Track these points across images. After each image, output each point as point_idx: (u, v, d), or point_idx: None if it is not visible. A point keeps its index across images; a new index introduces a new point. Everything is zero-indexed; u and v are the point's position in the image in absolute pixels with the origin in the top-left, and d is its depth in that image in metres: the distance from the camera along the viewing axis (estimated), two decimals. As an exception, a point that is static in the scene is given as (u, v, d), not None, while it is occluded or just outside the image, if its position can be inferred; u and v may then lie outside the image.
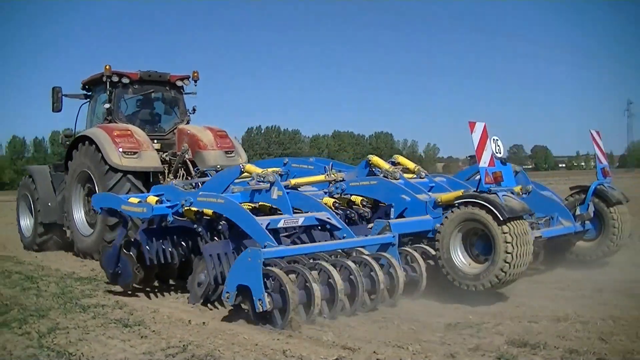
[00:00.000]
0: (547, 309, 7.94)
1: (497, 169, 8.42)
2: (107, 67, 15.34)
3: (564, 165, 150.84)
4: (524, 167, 12.34)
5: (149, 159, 14.17)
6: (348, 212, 10.37)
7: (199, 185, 11.38)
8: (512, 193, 8.78)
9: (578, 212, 10.76)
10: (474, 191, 8.68)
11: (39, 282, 11.42)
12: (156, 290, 10.25)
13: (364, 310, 8.13)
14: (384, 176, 10.50)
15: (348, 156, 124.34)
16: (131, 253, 9.89)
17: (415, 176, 11.03)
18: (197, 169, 14.47)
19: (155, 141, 15.37)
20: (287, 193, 9.40)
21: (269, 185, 9.39)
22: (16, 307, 9.25)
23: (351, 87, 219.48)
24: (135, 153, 13.89)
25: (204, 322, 7.88)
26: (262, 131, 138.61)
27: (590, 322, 7.25)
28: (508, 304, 8.40)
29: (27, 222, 17.22)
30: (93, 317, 8.46)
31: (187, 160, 15.05)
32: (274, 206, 9.56)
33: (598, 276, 9.94)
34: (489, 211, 8.13)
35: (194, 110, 16.67)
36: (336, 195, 10.52)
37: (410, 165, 11.25)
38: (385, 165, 10.80)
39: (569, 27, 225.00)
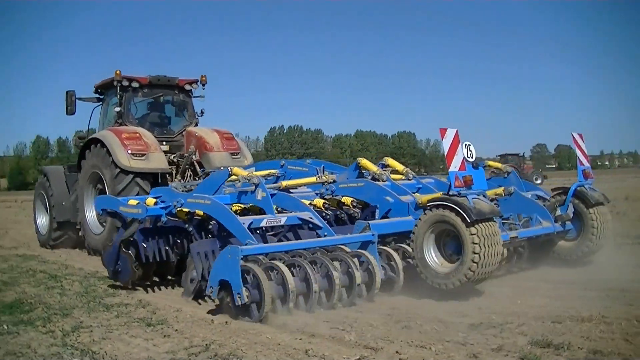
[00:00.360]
0: (571, 309, 7.87)
1: (467, 173, 8.74)
2: (118, 72, 15.81)
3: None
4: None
5: (157, 160, 14.63)
6: (338, 212, 10.81)
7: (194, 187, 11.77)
8: (484, 196, 9.09)
9: (558, 212, 11.04)
10: (444, 194, 9.04)
11: (63, 281, 11.50)
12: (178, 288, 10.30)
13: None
14: (372, 178, 11.19)
15: (370, 156, 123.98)
16: (130, 252, 10.39)
17: (404, 178, 11.74)
18: (203, 170, 14.88)
19: (164, 143, 15.90)
20: (274, 194, 10.14)
21: (254, 187, 9.98)
22: (40, 305, 9.32)
23: (374, 86, 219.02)
24: (143, 155, 14.38)
25: (226, 322, 7.90)
26: (285, 131, 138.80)
27: (615, 322, 7.18)
28: (531, 304, 8.34)
29: (42, 220, 17.78)
30: (116, 316, 8.51)
31: (195, 162, 15.57)
32: (259, 207, 10.07)
33: (623, 276, 9.86)
34: (458, 213, 8.48)
35: (202, 112, 17.13)
36: (327, 196, 10.98)
37: (399, 167, 12.03)
38: (373, 167, 11.50)
39: (595, 26, 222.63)
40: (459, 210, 8.44)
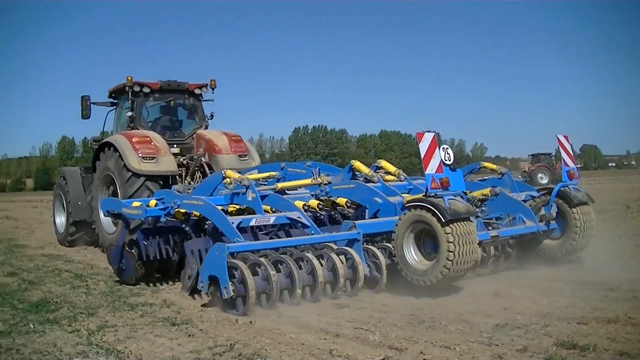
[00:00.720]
0: (597, 310, 7.83)
1: (444, 175, 9.08)
2: (129, 78, 16.26)
3: (614, 164, 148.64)
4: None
5: (166, 163, 14.95)
6: (332, 212, 11.46)
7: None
8: (462, 197, 9.43)
9: (542, 212, 11.33)
10: (423, 195, 9.36)
11: (88, 280, 11.57)
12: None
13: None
14: (364, 180, 11.70)
15: (395, 155, 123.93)
16: (132, 251, 10.90)
17: (396, 179, 12.17)
18: (212, 172, 15.22)
19: (175, 146, 16.31)
20: (267, 196, 10.83)
21: (245, 189, 10.62)
22: (66, 304, 9.39)
23: (398, 86, 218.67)
24: (153, 158, 14.74)
25: (250, 321, 7.91)
26: (309, 131, 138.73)
27: (642, 324, 7.13)
28: (557, 304, 8.28)
29: (61, 220, 18.31)
30: (141, 316, 8.56)
31: (204, 164, 16.01)
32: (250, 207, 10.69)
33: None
34: (434, 213, 8.85)
35: (211, 116, 17.46)
36: (322, 197, 11.49)
37: (392, 169, 12.47)
38: (365, 169, 11.99)
39: (623, 23, 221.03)
40: (435, 210, 8.82)
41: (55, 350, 6.93)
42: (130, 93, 16.34)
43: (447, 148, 9.28)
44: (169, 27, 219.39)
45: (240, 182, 10.69)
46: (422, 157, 9.01)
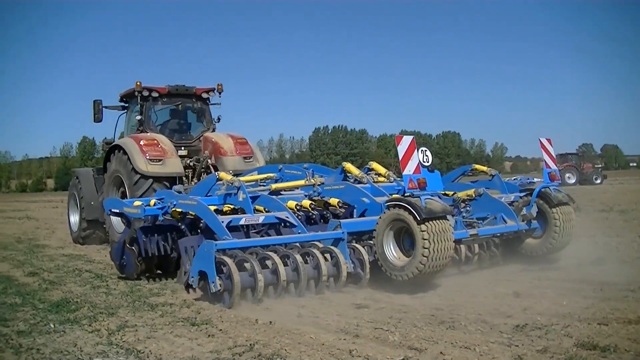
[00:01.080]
0: (617, 311, 7.76)
1: (422, 176, 9.52)
2: (138, 83, 16.99)
3: (635, 164, 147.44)
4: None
5: (172, 165, 15.70)
6: (324, 212, 11.95)
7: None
8: (439, 197, 9.87)
9: (524, 212, 11.71)
10: (402, 195, 9.93)
11: (108, 280, 11.63)
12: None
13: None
14: (354, 181, 12.27)
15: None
16: (133, 248, 11.53)
17: (386, 180, 12.71)
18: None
19: (183, 148, 17.10)
20: (258, 196, 11.37)
21: (236, 190, 11.10)
22: (86, 304, 9.44)
23: (419, 86, 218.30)
24: (160, 160, 15.48)
25: (270, 322, 7.91)
26: (329, 131, 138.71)
27: (663, 325, 7.08)
28: (577, 305, 8.23)
29: (75, 219, 19.01)
30: (161, 316, 8.58)
31: (210, 165, 16.64)
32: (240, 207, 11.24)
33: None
34: (410, 212, 9.26)
35: (218, 119, 18.24)
36: (315, 198, 11.92)
37: (382, 170, 13.03)
38: (355, 171, 12.57)
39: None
40: (411, 209, 9.23)
41: (75, 350, 6.95)
42: (139, 97, 17.07)
43: (425, 150, 9.76)
44: (194, 29, 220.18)
45: (232, 184, 11.18)
46: (400, 158, 9.47)
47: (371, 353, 6.42)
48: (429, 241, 9.09)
